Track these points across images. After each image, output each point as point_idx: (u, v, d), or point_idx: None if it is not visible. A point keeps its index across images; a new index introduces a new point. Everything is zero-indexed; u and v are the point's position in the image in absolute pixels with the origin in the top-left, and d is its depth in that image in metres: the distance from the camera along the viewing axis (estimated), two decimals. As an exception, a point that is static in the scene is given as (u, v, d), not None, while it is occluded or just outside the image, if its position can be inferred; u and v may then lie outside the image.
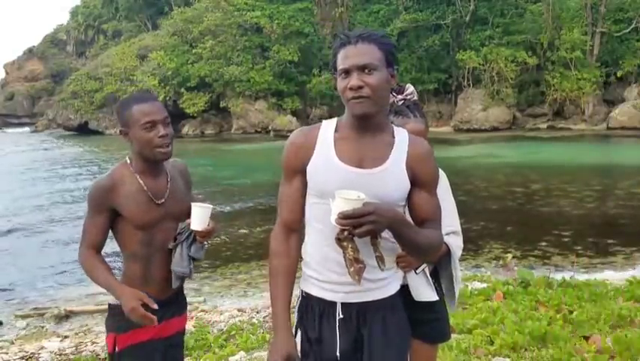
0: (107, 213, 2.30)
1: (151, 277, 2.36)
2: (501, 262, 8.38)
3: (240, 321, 5.96)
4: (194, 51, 38.94)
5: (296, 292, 2.00)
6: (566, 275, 6.28)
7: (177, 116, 39.61)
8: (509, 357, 3.81)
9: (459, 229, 2.40)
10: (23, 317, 7.29)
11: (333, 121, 1.95)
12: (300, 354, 1.91)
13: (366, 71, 1.80)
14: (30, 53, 59.97)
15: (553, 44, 33.91)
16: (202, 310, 6.94)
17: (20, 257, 10.50)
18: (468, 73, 34.86)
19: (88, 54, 56.00)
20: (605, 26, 33.84)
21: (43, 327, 6.92)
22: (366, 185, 1.78)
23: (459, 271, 2.42)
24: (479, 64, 34.15)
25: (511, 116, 34.56)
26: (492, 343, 4.00)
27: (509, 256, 8.47)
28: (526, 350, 3.89)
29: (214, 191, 16.67)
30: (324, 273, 1.91)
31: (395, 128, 1.95)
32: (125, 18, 55.12)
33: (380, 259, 1.80)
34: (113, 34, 55.89)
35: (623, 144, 26.36)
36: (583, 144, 26.41)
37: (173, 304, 2.46)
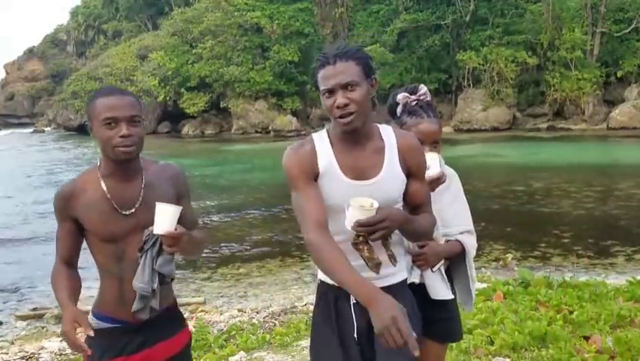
0: (70, 223, 2.06)
1: (126, 297, 2.05)
2: (501, 262, 8.38)
3: (240, 321, 5.96)
4: (194, 51, 38.95)
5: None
6: (566, 275, 6.27)
7: (177, 117, 39.66)
8: (509, 357, 3.81)
9: (472, 228, 2.43)
10: (23, 317, 7.30)
11: (323, 134, 2.06)
12: (318, 336, 2.09)
13: (349, 88, 1.91)
14: (30, 53, 60.01)
15: (554, 44, 33.90)
16: (202, 311, 6.95)
17: (20, 258, 10.51)
18: (468, 73, 34.84)
19: (88, 54, 55.99)
20: (605, 26, 33.83)
21: (43, 327, 6.93)
22: (370, 194, 1.92)
23: (474, 270, 2.44)
24: (479, 64, 34.14)
25: (511, 116, 34.55)
26: (492, 343, 4.00)
27: (509, 256, 8.47)
28: (526, 350, 3.89)
29: (214, 191, 16.67)
30: None
31: (380, 127, 2.08)
32: (125, 18, 55.14)
33: (392, 258, 1.97)
34: (114, 35, 55.90)
35: (624, 144, 26.35)
36: (583, 144, 26.40)
37: (158, 326, 2.12)
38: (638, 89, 33.09)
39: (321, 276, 2.12)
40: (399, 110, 2.41)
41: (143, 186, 2.07)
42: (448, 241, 2.34)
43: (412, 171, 2.05)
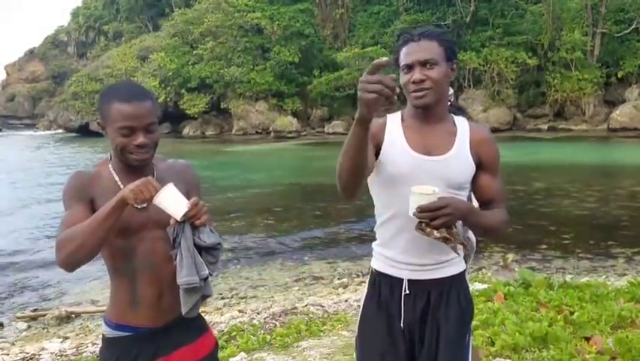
0: (86, 206, 1.89)
1: (139, 299, 1.94)
2: (502, 263, 8.37)
3: (240, 322, 5.95)
4: (194, 52, 38.99)
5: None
6: (567, 276, 6.27)
7: (178, 117, 39.67)
8: (510, 358, 3.80)
9: None
10: (24, 318, 7.29)
11: (397, 114, 2.10)
12: (368, 325, 2.10)
13: (428, 65, 1.95)
14: (31, 54, 60.08)
15: (554, 45, 33.91)
16: (203, 311, 6.93)
17: (21, 258, 10.51)
18: (468, 74, 34.85)
19: (89, 55, 56.04)
20: (606, 27, 33.84)
21: (44, 328, 6.92)
22: (434, 171, 1.96)
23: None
24: (480, 65, 34.16)
25: (511, 117, 34.56)
26: (493, 344, 4.00)
27: (510, 256, 8.45)
28: (527, 351, 3.88)
29: (214, 192, 16.67)
30: (390, 251, 2.07)
31: (455, 117, 2.11)
32: (125, 19, 55.20)
33: (454, 248, 1.93)
34: (114, 36, 55.94)
35: (625, 144, 26.34)
36: (584, 145, 26.39)
37: (176, 331, 2.01)
38: (638, 89, 33.09)
39: (375, 264, 2.14)
40: None
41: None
42: None
43: (484, 163, 2.05)
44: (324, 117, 37.51)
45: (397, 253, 2.04)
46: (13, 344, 6.26)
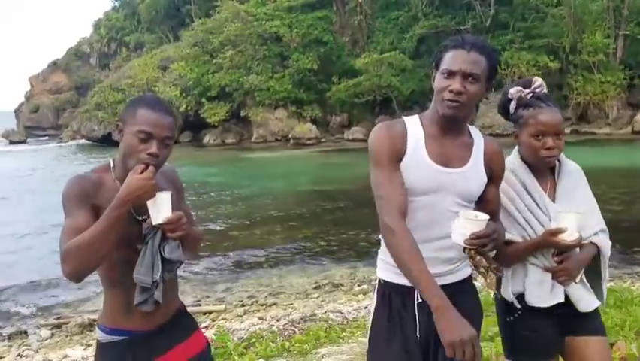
0: (90, 212, 1.87)
1: (132, 307, 1.95)
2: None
3: (260, 329, 5.96)
4: (214, 61, 39.27)
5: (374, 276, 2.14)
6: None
7: (198, 126, 39.96)
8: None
9: (604, 225, 2.34)
10: (47, 326, 7.38)
11: (416, 118, 2.05)
12: (379, 337, 2.04)
13: (470, 79, 1.90)
14: (54, 65, 61.03)
15: (576, 48, 33.49)
16: (223, 318, 6.96)
17: (44, 267, 10.65)
18: (489, 78, 34.58)
19: (111, 66, 56.81)
20: (629, 28, 33.34)
21: (67, 336, 7.00)
22: (453, 183, 1.95)
23: (607, 269, 2.36)
24: (500, 68, 33.86)
25: (533, 120, 34.21)
26: (514, 350, 3.93)
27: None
28: (549, 357, 3.81)
29: (234, 199, 16.74)
30: None
31: (471, 128, 2.09)
32: (147, 30, 55.88)
33: (496, 269, 1.91)
34: (136, 46, 56.65)
35: (649, 147, 25.87)
36: (608, 148, 25.99)
37: (167, 331, 2.07)
38: (663, 91, 32.53)
39: (382, 274, 2.10)
40: (512, 105, 2.31)
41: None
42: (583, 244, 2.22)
43: (494, 176, 2.06)
44: (343, 124, 37.49)
45: None
46: (36, 352, 6.35)
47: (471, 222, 1.81)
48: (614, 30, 33.59)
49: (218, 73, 38.83)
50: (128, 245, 1.92)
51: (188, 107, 39.13)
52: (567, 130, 33.06)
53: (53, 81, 58.69)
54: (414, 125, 2.01)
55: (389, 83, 34.43)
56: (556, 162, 2.35)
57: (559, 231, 2.07)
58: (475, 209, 2.03)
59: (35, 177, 25.74)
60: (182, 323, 2.14)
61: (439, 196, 1.95)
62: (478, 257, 1.83)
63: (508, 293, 2.30)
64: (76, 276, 1.82)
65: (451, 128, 2.00)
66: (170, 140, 1.95)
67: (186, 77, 39.52)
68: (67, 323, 7.34)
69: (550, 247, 2.15)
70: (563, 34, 33.73)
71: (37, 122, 56.58)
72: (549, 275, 2.19)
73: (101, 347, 2.04)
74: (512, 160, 2.30)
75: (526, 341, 2.29)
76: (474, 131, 2.09)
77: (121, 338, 2.01)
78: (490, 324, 4.51)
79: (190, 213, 2.22)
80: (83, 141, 45.97)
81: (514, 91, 2.29)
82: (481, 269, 1.86)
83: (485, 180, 2.03)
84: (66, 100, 56.60)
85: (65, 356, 5.92)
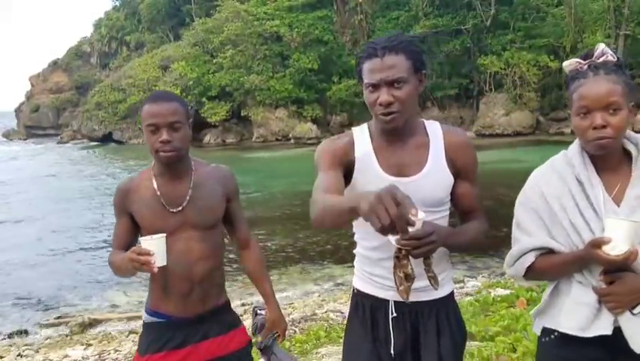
0: (127, 219, 2.16)
1: (170, 290, 2.14)
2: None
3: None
4: (215, 61, 39.28)
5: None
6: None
7: (199, 126, 39.97)
8: (532, 365, 3.74)
9: None
10: (48, 325, 7.39)
11: (364, 128, 1.94)
12: (352, 349, 1.94)
13: (395, 85, 1.76)
14: (55, 65, 61.02)
15: (576, 48, 33.45)
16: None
17: (45, 266, 10.66)
18: (489, 77, 34.57)
19: (111, 66, 56.77)
20: (629, 28, 33.33)
21: (67, 335, 7.00)
22: (412, 192, 1.65)
23: None
24: (501, 68, 33.85)
25: (534, 120, 34.18)
26: (514, 350, 3.94)
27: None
28: (549, 357, 3.81)
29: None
30: (378, 269, 1.91)
31: (427, 124, 1.93)
32: (147, 30, 55.86)
33: (433, 279, 1.76)
34: (136, 46, 56.65)
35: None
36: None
37: (207, 323, 2.19)
38: (664, 91, 32.49)
39: (357, 284, 2.00)
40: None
41: (191, 185, 2.17)
42: None
43: (461, 170, 1.89)
44: (343, 123, 37.47)
45: (387, 272, 1.81)
46: (37, 351, 6.35)
47: None
48: (614, 30, 33.58)
49: (219, 73, 38.85)
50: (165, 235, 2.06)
51: (189, 107, 39.12)
52: (568, 130, 33.25)
53: (54, 81, 58.69)
54: (361, 136, 1.91)
55: (389, 82, 34.42)
56: (634, 149, 1.80)
57: (603, 242, 1.61)
58: (451, 207, 1.92)
59: (33, 174, 25.73)
60: (223, 318, 2.27)
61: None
62: (405, 260, 1.64)
63: (537, 322, 1.93)
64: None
65: (400, 135, 1.86)
66: (179, 123, 2.11)
67: (187, 76, 39.53)
68: (67, 323, 7.35)
69: (593, 261, 1.69)
70: (563, 34, 33.73)
71: (37, 122, 56.59)
72: (595, 297, 1.72)
73: (144, 326, 2.24)
74: (570, 149, 1.91)
75: None
76: (430, 126, 1.92)
77: (160, 320, 2.18)
78: (491, 324, 4.52)
79: (241, 215, 2.37)
80: (84, 140, 45.97)
81: (567, 64, 1.89)
82: (400, 273, 1.66)
83: (451, 178, 1.87)
84: (66, 100, 56.59)
85: (66, 356, 5.92)
